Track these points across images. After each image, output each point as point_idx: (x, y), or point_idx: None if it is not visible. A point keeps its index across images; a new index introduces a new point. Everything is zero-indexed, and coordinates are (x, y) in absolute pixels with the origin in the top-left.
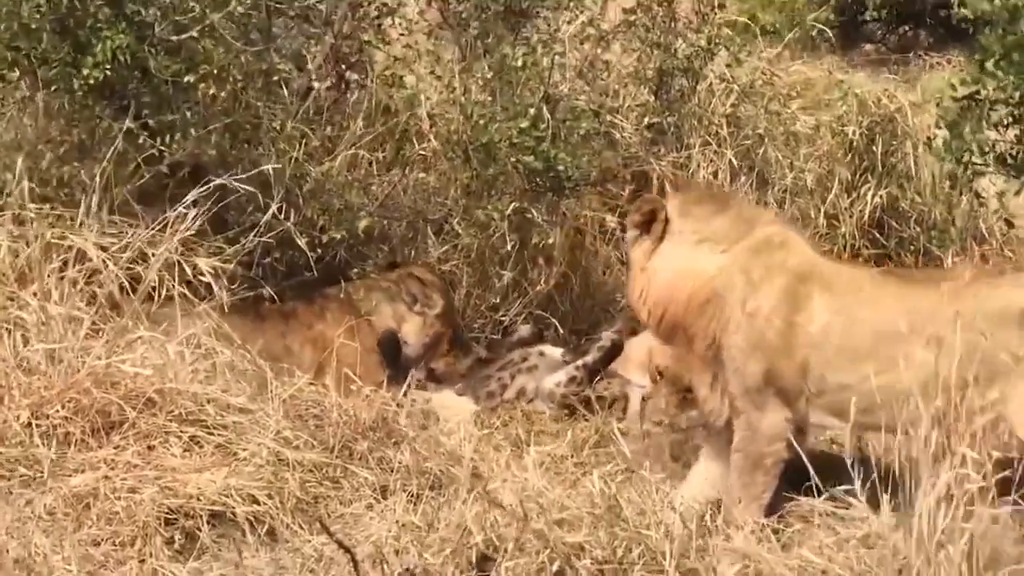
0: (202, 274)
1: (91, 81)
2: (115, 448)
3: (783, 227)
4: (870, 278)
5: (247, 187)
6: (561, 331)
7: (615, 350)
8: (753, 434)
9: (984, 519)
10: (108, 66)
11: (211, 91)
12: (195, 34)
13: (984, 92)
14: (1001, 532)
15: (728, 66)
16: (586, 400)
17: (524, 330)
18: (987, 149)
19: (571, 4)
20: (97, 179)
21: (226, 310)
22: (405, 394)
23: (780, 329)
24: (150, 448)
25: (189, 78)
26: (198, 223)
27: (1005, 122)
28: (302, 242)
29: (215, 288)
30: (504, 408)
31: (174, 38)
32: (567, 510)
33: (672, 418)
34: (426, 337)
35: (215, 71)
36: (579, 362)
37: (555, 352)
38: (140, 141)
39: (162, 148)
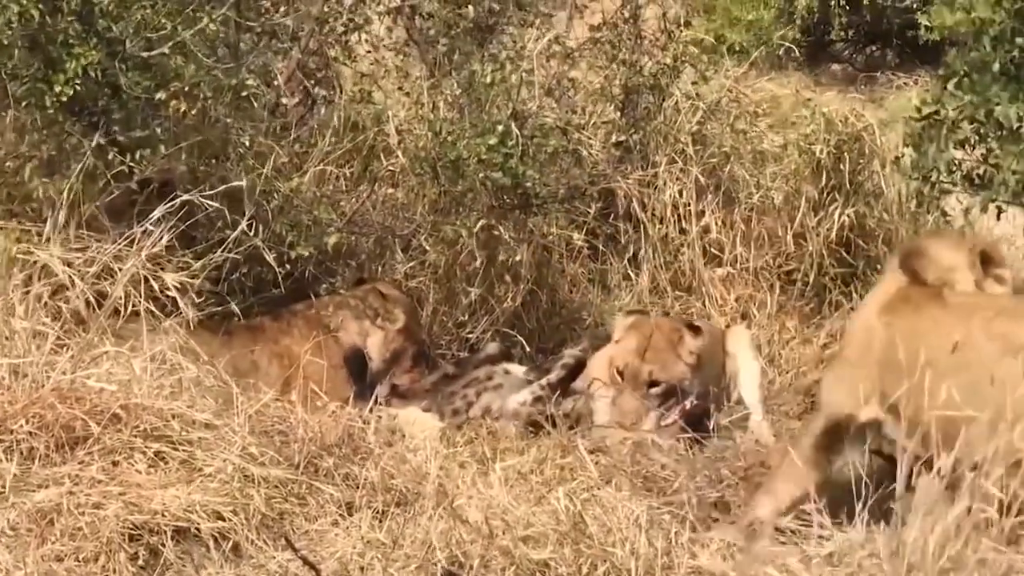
0: (169, 289)
1: (63, 98)
2: (79, 463)
3: None
4: None
5: (215, 204)
6: (528, 349)
7: (579, 367)
8: None
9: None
10: (79, 82)
11: (181, 107)
12: (166, 51)
13: (944, 112)
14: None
15: (694, 84)
16: (551, 418)
17: (492, 347)
18: (953, 168)
19: (537, 21)
20: (65, 195)
21: (192, 326)
22: (371, 410)
23: None
24: (115, 464)
25: (160, 95)
26: (165, 239)
27: (971, 141)
28: (270, 258)
29: (181, 304)
30: (470, 425)
31: (145, 54)
32: (532, 527)
33: (640, 417)
34: (387, 352)
35: (185, 88)
36: (543, 380)
37: (519, 370)
38: (109, 157)
39: (132, 164)
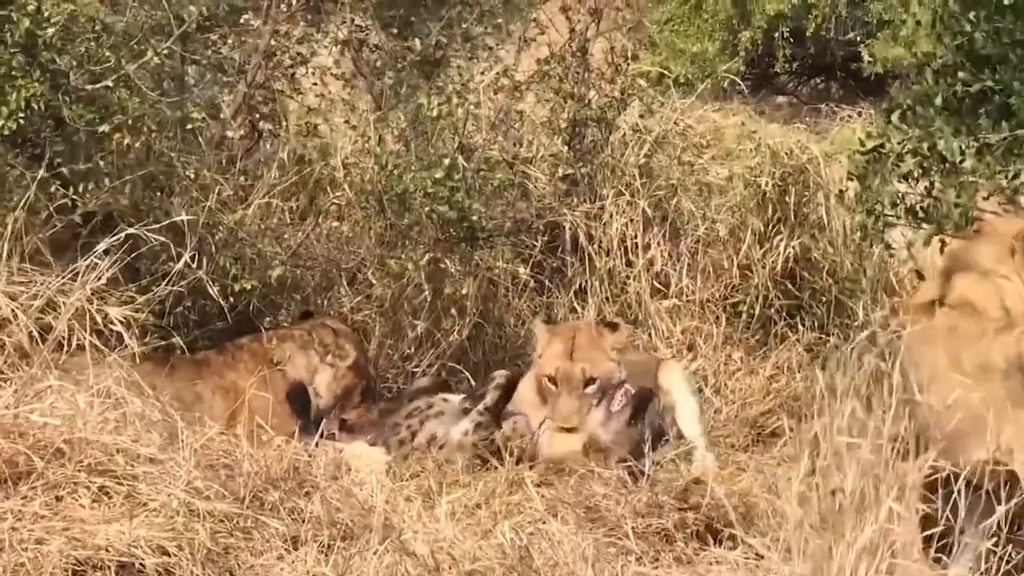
0: (113, 323)
1: (5, 131)
2: (22, 499)
3: None
4: None
5: (159, 237)
6: (473, 383)
7: (511, 385)
8: None
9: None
10: (22, 115)
11: (125, 140)
12: (110, 83)
13: (889, 145)
14: None
15: (641, 116)
16: (496, 450)
17: (424, 381)
18: (897, 201)
19: (485, 55)
20: (9, 227)
21: (137, 360)
22: (316, 444)
23: None
24: (58, 499)
25: (103, 127)
26: (109, 272)
27: (915, 174)
28: (214, 291)
29: (126, 337)
30: (416, 456)
31: (89, 87)
32: (479, 560)
33: (583, 416)
34: (337, 388)
35: (129, 120)
36: (479, 407)
37: (456, 399)
38: (52, 190)
39: (75, 197)
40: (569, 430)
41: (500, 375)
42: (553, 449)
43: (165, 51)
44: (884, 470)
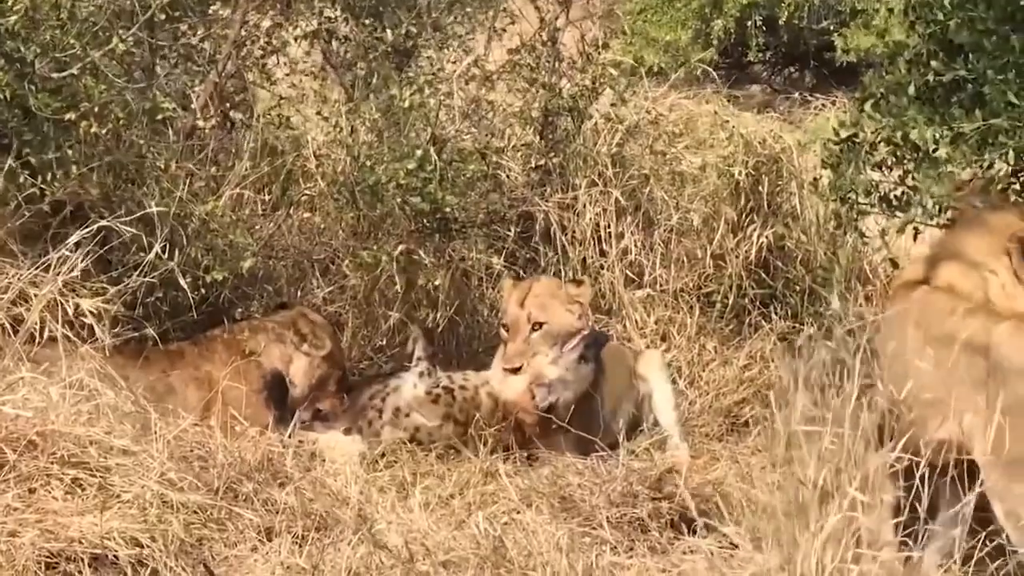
0: (85, 315)
1: None
2: None
3: None
4: None
5: (130, 228)
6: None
7: (428, 333)
8: None
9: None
10: None
11: (92, 129)
12: (75, 71)
13: (862, 134)
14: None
15: (613, 105)
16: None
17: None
18: (871, 190)
19: (455, 44)
20: None
21: (108, 352)
22: (290, 435)
23: None
24: (31, 491)
25: (70, 116)
26: (82, 264)
27: (888, 163)
28: (184, 282)
29: (98, 330)
30: (387, 435)
31: (54, 75)
32: (453, 551)
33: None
34: (312, 378)
35: (96, 109)
36: (414, 361)
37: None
38: (21, 180)
39: (43, 187)
40: (516, 371)
41: (414, 328)
42: (504, 393)
43: (131, 38)
44: (846, 459)
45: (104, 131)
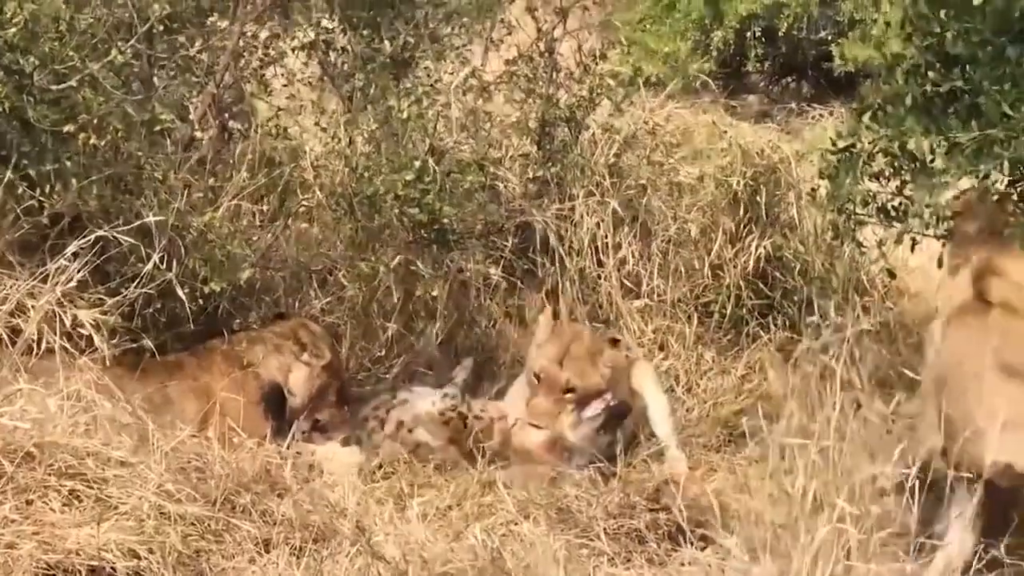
0: (83, 326)
1: None
2: None
3: None
4: None
5: (128, 239)
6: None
7: (477, 367)
8: None
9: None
10: None
11: (91, 141)
12: (74, 83)
13: (860, 144)
14: None
15: (610, 116)
16: (462, 421)
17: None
18: (869, 200)
19: (453, 55)
20: None
21: (108, 363)
22: (288, 446)
23: None
24: (28, 503)
25: (69, 128)
26: (79, 275)
27: (886, 173)
28: (182, 293)
29: (97, 340)
30: (386, 448)
31: (53, 87)
32: (450, 563)
33: (553, 418)
34: (312, 388)
35: (94, 120)
36: (448, 385)
37: (423, 388)
38: (19, 192)
39: (42, 199)
40: (536, 427)
41: (467, 360)
42: (521, 440)
43: (130, 50)
44: (833, 471)
45: (103, 143)
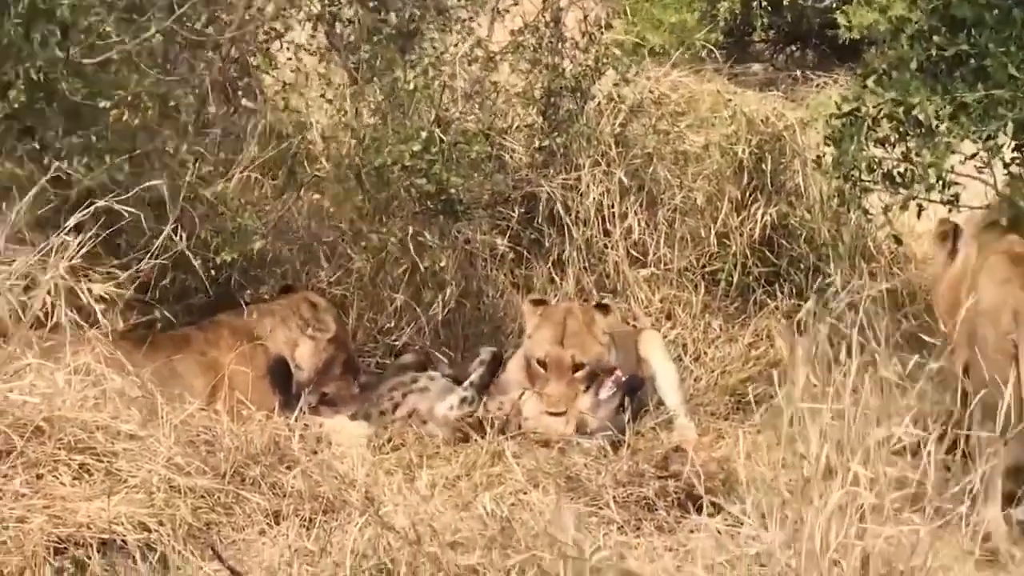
0: (96, 300)
1: (16, 104)
2: (3, 477)
3: None
4: None
5: (138, 211)
6: (453, 355)
7: (496, 362)
8: None
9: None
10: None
11: (124, 117)
12: (114, 56)
13: (865, 109)
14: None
15: (615, 85)
16: (478, 422)
17: (407, 357)
18: (874, 166)
19: (458, 26)
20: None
21: (116, 337)
22: (296, 419)
23: None
24: (38, 477)
25: (103, 103)
26: (89, 246)
27: (892, 139)
28: (196, 263)
29: (100, 316)
30: (395, 427)
31: (86, 62)
32: (460, 532)
33: (571, 401)
34: (319, 361)
35: (129, 97)
36: (466, 383)
37: (441, 377)
38: (44, 162)
39: (70, 171)
40: (557, 414)
41: (485, 352)
42: (546, 432)
43: (167, 28)
44: (847, 433)
45: (135, 120)
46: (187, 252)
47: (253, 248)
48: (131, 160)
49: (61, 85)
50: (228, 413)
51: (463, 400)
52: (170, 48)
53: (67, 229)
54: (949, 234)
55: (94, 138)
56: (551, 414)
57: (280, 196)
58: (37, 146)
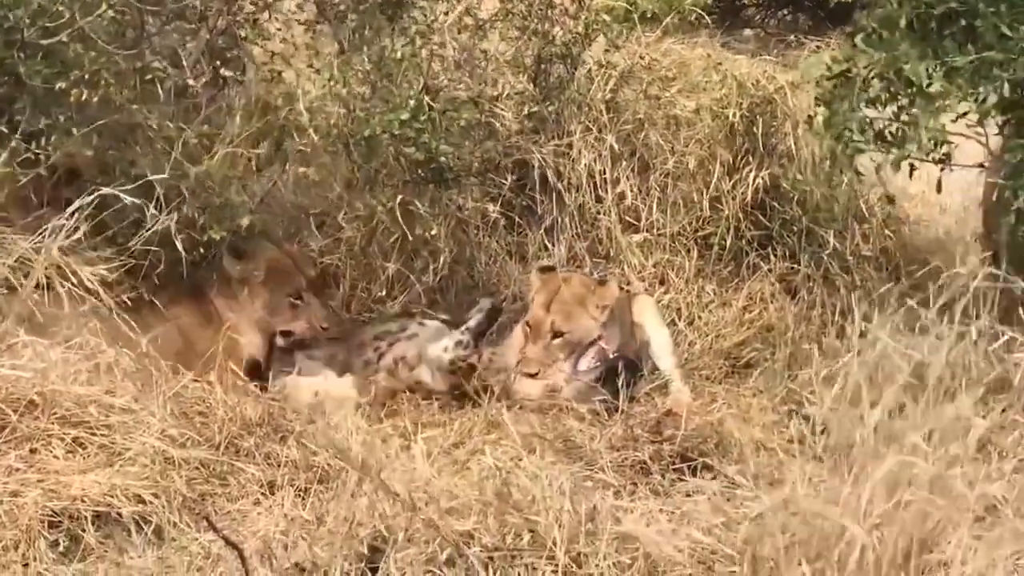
0: (85, 279)
1: None
2: None
3: None
4: None
5: (125, 191)
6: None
7: (495, 312)
8: None
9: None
10: None
11: (83, 95)
12: (64, 38)
13: (855, 69)
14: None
15: (606, 51)
16: (471, 368)
17: (396, 309)
18: (865, 127)
19: None
20: None
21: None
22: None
23: None
24: (32, 451)
25: (60, 83)
26: (82, 229)
27: (882, 99)
28: (179, 242)
29: (101, 291)
30: (383, 388)
31: (43, 42)
32: (456, 498)
33: (546, 366)
34: (265, 306)
35: (85, 76)
36: (463, 327)
37: (434, 321)
38: (13, 145)
39: (38, 152)
40: (530, 375)
41: (485, 301)
42: (520, 390)
43: (119, 3)
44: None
45: (95, 97)
46: (173, 230)
47: (242, 224)
48: (114, 138)
49: (19, 69)
50: (221, 383)
51: (458, 343)
52: (146, 20)
53: (62, 216)
54: None
55: (60, 119)
56: (524, 374)
57: (267, 169)
58: (4, 129)
